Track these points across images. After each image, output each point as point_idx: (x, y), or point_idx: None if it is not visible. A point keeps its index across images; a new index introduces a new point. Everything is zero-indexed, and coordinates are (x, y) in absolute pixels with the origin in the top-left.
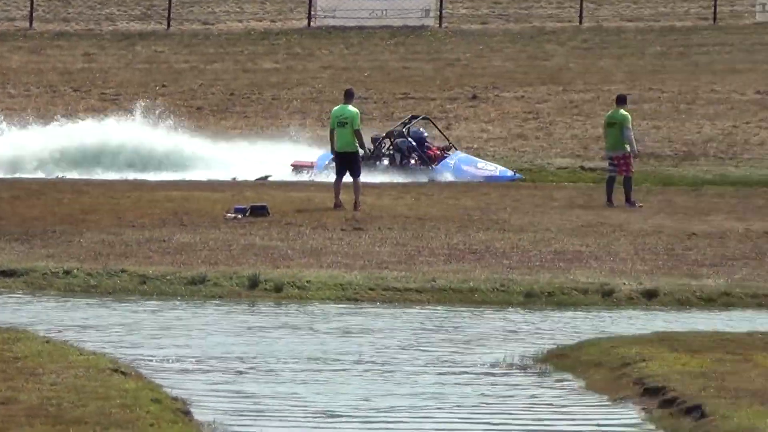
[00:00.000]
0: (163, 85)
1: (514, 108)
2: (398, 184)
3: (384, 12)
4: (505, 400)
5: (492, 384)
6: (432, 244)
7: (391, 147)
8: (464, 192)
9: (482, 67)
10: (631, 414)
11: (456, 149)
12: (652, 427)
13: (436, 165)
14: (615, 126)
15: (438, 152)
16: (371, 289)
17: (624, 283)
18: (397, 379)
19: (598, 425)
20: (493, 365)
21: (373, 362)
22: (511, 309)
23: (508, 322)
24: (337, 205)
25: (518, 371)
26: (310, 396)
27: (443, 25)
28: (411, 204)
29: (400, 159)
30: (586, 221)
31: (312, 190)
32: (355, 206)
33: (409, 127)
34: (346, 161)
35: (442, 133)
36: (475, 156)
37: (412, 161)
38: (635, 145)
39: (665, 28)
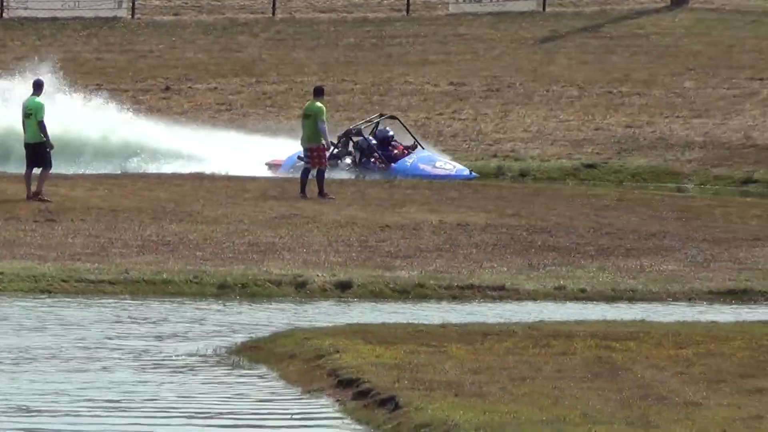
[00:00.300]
0: None
1: (207, 100)
2: (92, 175)
3: (76, 3)
4: (199, 392)
5: (187, 376)
6: (125, 236)
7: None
8: (158, 184)
9: (175, 58)
10: (325, 406)
11: (422, 148)
12: (347, 418)
13: (395, 164)
14: (310, 118)
15: (403, 151)
16: (64, 281)
17: (317, 275)
18: (93, 372)
19: (292, 416)
20: (188, 358)
21: (68, 355)
22: (205, 301)
23: (202, 313)
24: (29, 197)
25: (213, 364)
26: (6, 390)
27: (136, 17)
28: (104, 195)
29: (360, 158)
30: (279, 213)
31: (3, 182)
32: (36, 195)
33: (377, 124)
34: (33, 152)
35: (409, 132)
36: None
37: (372, 160)
38: (328, 138)
39: (358, 19)
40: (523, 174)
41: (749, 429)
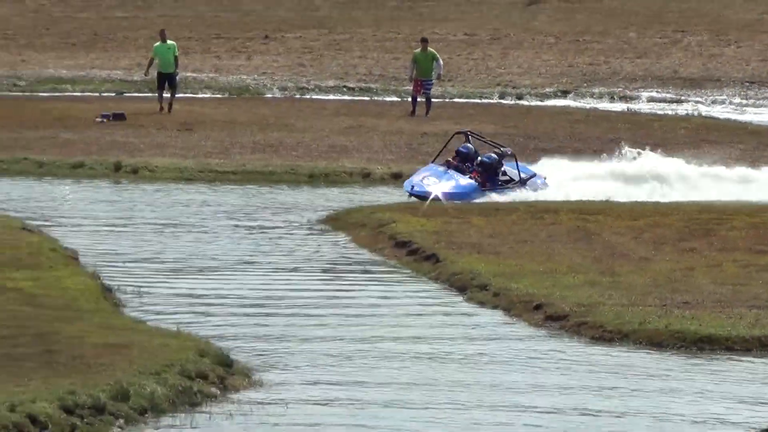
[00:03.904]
0: None
1: (295, 45)
2: (215, 97)
3: None
4: (298, 249)
5: (288, 237)
6: (242, 140)
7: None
8: (263, 104)
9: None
10: (387, 260)
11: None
12: (404, 268)
13: None
14: (427, 59)
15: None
16: (200, 172)
17: (378, 168)
18: (223, 240)
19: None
20: (289, 226)
21: (194, 225)
22: (298, 186)
23: (297, 195)
24: (162, 109)
25: (307, 230)
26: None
27: None
28: (225, 112)
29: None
30: (348, 124)
31: (152, 102)
32: (169, 108)
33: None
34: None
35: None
36: None
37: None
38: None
39: None
40: (519, 98)
41: (685, 276)
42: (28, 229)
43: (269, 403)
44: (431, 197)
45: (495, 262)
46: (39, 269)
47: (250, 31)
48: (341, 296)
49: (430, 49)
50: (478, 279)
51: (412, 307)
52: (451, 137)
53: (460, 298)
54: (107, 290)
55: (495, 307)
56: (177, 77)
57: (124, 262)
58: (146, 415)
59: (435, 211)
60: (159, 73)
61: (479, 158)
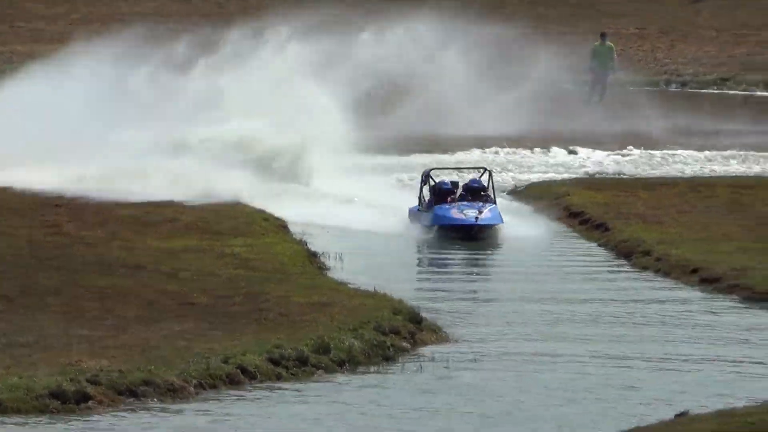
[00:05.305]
0: None
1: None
2: None
3: None
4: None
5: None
6: None
7: None
8: None
9: None
10: (561, 227)
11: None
12: (576, 234)
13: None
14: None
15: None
16: None
17: None
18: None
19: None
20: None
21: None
22: None
23: None
24: None
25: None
26: None
27: None
28: None
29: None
30: None
31: None
32: None
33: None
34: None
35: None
36: None
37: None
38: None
39: None
40: (683, 85)
41: None
42: (244, 203)
43: (455, 357)
44: (478, 225)
45: (658, 231)
46: (253, 236)
47: None
48: (519, 260)
49: (608, 42)
50: (642, 246)
51: (583, 269)
52: (423, 175)
53: (626, 263)
54: (312, 255)
55: (657, 270)
56: None
57: (327, 231)
58: (344, 367)
59: (605, 184)
60: None
61: (465, 184)
